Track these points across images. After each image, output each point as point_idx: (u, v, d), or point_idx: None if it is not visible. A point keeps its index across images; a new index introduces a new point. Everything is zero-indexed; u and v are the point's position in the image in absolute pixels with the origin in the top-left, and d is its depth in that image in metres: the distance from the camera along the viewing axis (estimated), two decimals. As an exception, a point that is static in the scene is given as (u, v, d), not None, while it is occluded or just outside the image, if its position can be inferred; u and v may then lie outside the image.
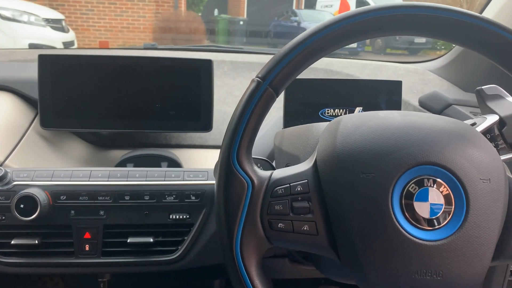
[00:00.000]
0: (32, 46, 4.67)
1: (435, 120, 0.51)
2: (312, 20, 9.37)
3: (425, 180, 0.46)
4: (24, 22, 5.04)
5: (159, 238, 0.75)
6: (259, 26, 9.85)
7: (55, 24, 5.44)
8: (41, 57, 0.90)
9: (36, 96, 0.95)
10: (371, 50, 8.91)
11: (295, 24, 9.60)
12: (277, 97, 0.52)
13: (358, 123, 0.52)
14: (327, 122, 0.61)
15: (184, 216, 0.75)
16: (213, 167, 0.85)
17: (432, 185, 0.46)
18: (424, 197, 0.46)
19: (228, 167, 0.51)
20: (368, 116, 0.53)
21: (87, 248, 0.74)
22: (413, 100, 1.10)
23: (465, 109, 0.95)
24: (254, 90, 0.50)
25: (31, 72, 1.00)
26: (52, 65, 0.91)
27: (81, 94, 0.92)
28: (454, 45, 1.24)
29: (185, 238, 0.76)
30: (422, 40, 8.69)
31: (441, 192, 0.46)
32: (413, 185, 0.46)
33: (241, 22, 9.60)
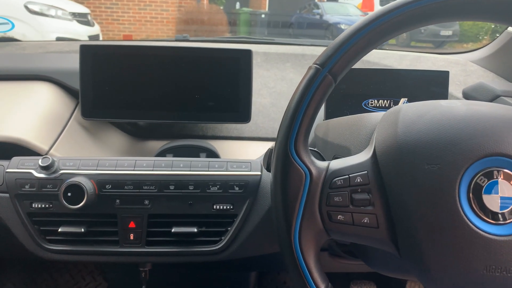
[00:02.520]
0: (60, 40, 4.75)
1: (502, 110, 0.49)
2: (335, 13, 9.22)
3: (495, 172, 0.44)
4: (52, 16, 5.12)
5: (202, 228, 0.75)
6: (281, 18, 9.77)
7: (81, 18, 5.51)
8: (83, 47, 0.91)
9: (75, 86, 0.96)
10: (395, 43, 8.71)
11: (318, 17, 9.47)
12: (335, 84, 0.50)
13: (420, 112, 0.50)
14: (380, 112, 0.59)
15: (228, 207, 0.75)
16: (249, 158, 0.85)
17: (502, 177, 0.44)
18: (493, 190, 0.44)
19: (286, 157, 0.49)
20: (430, 105, 0.51)
21: (131, 237, 0.75)
22: (456, 92, 1.06)
23: (515, 101, 0.91)
24: (312, 77, 0.49)
25: (70, 62, 1.01)
26: (93, 56, 0.91)
27: (121, 85, 0.93)
28: (497, 35, 1.19)
29: (229, 228, 0.76)
30: (448, 32, 8.44)
31: None
32: (481, 177, 0.44)
33: (263, 15, 9.55)
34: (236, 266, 0.98)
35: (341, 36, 0.49)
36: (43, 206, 0.73)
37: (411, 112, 0.50)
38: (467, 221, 0.44)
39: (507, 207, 0.44)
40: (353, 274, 1.35)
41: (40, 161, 0.72)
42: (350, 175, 0.49)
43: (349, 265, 0.99)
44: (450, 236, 0.44)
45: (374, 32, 0.48)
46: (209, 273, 1.07)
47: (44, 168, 0.72)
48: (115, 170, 0.74)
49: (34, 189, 0.73)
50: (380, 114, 0.57)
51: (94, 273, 1.39)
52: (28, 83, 0.96)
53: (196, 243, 0.76)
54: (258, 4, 10.96)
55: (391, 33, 0.48)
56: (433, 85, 0.88)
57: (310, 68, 0.50)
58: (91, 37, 5.60)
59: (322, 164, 0.51)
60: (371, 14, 0.48)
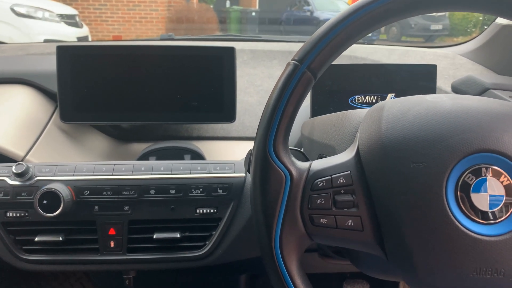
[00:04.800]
0: (47, 42, 4.68)
1: (489, 103, 0.47)
2: (325, 9, 9.21)
3: (483, 169, 0.42)
4: (39, 19, 5.06)
5: (186, 233, 0.73)
6: (271, 15, 9.75)
7: (69, 20, 5.45)
8: (60, 49, 0.88)
9: (55, 89, 0.92)
10: (386, 38, 8.72)
11: (308, 13, 9.45)
12: (315, 81, 0.48)
13: (404, 108, 0.47)
14: (365, 109, 0.56)
15: (212, 210, 0.72)
16: (236, 158, 0.82)
17: (491, 175, 0.42)
18: (482, 188, 0.42)
19: (265, 159, 0.47)
20: (415, 100, 0.49)
21: (112, 244, 0.72)
22: (445, 85, 1.05)
23: (504, 94, 0.89)
24: (290, 74, 0.47)
25: (49, 65, 0.98)
26: (71, 57, 0.88)
27: (101, 86, 0.90)
28: (485, 27, 1.18)
29: (213, 233, 0.73)
30: (439, 26, 8.47)
31: (501, 182, 0.42)
32: (469, 174, 0.42)
33: (253, 13, 9.51)
34: (224, 270, 0.95)
35: (320, 30, 0.47)
36: (18, 215, 0.70)
37: (395, 108, 0.48)
38: (455, 221, 0.42)
39: (497, 206, 0.42)
40: (346, 273, 1.33)
41: (13, 167, 0.69)
42: (332, 176, 0.47)
43: (341, 265, 0.97)
44: (438, 238, 0.42)
45: (353, 26, 0.45)
46: (197, 277, 1.05)
47: (18, 175, 0.69)
48: (93, 175, 0.71)
49: (8, 197, 0.70)
50: (364, 111, 0.55)
51: (82, 280, 1.36)
52: (3, 87, 0.93)
53: (180, 248, 0.73)
54: (248, 2, 10.91)
55: (371, 26, 0.46)
56: (421, 79, 0.86)
57: (288, 64, 0.47)
58: (80, 39, 5.54)
59: (304, 165, 0.49)
60: (350, 7, 0.46)
